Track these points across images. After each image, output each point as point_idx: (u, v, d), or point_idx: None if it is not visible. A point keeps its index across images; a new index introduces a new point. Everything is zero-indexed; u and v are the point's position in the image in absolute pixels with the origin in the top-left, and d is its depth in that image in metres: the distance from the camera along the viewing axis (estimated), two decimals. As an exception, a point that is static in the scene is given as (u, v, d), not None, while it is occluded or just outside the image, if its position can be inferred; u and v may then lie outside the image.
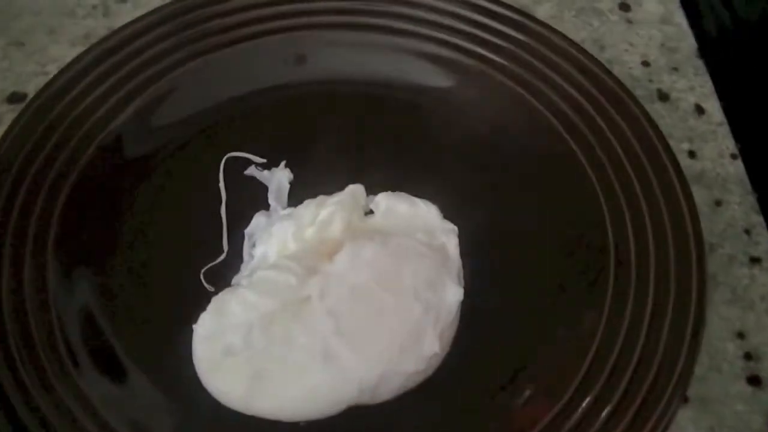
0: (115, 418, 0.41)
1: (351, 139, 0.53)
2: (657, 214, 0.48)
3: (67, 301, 0.45)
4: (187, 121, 0.53)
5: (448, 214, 0.48)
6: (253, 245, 0.48)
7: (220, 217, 0.49)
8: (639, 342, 0.43)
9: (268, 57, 0.55)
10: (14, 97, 0.58)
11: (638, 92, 0.57)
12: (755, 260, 0.52)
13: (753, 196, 0.55)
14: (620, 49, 0.63)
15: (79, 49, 0.55)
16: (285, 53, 0.55)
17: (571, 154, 0.51)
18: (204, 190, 0.50)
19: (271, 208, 0.50)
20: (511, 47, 0.55)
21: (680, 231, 0.47)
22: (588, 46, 0.59)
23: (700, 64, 0.62)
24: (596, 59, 0.55)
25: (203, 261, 0.47)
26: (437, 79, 0.56)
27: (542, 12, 0.65)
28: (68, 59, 0.54)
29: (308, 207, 0.47)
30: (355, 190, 0.48)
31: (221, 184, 0.51)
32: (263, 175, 0.51)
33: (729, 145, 0.58)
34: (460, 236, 0.47)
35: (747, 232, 0.53)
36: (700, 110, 0.60)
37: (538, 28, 0.55)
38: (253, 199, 0.50)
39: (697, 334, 0.43)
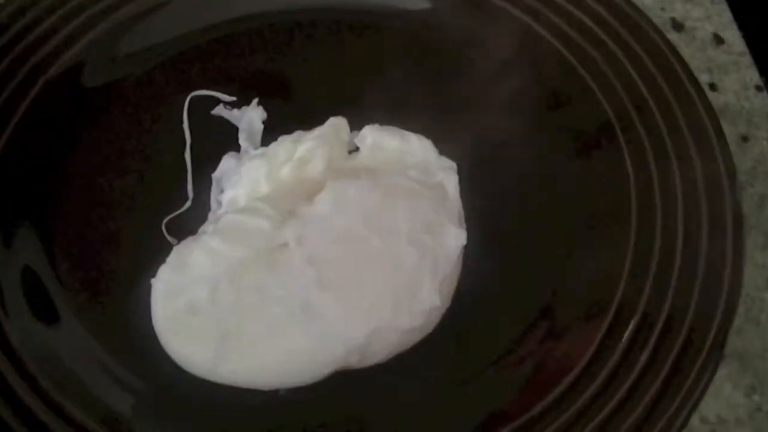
0: (63, 390, 0.38)
1: (331, 73, 0.49)
2: (684, 149, 0.44)
3: (5, 254, 0.42)
4: (147, 54, 0.50)
5: (443, 151, 0.44)
6: (222, 191, 0.44)
7: (184, 162, 0.46)
8: (669, 289, 0.40)
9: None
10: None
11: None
12: (789, 200, 0.48)
13: (782, 129, 0.52)
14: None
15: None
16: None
17: (584, 84, 0.48)
18: (167, 132, 0.47)
19: (242, 149, 0.46)
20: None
21: (711, 167, 0.44)
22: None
23: (716, -9, 0.59)
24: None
25: (165, 210, 0.44)
26: (427, 2, 0.52)
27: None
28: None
29: (283, 143, 0.43)
30: (337, 123, 0.44)
31: (185, 125, 0.47)
32: (233, 115, 0.48)
33: (753, 76, 0.55)
34: (459, 175, 0.43)
35: (778, 169, 0.50)
36: (719, 40, 0.57)
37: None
38: (222, 141, 0.46)
39: (737, 272, 0.40)
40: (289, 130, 0.44)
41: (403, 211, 0.40)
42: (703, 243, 0.41)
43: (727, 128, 0.50)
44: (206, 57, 0.50)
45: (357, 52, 0.50)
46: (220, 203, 0.44)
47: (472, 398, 0.39)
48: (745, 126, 0.52)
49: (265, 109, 0.47)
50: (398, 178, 0.41)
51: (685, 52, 0.55)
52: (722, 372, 0.42)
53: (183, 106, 0.48)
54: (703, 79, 0.54)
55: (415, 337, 0.39)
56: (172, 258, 0.40)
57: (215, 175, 0.45)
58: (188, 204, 0.44)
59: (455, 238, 0.40)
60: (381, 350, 0.38)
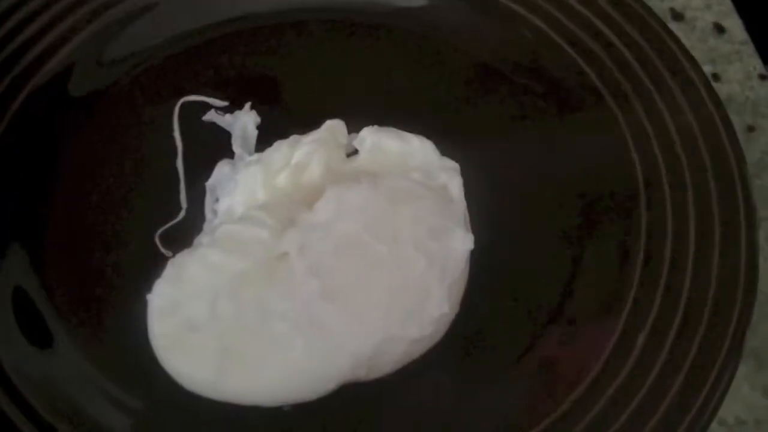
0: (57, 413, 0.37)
1: (325, 74, 0.48)
2: (691, 139, 0.44)
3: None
4: (134, 59, 0.48)
5: (445, 152, 0.43)
6: (217, 200, 0.43)
7: (176, 171, 0.44)
8: (684, 286, 0.39)
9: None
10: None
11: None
12: (799, 191, 0.48)
13: (788, 119, 0.51)
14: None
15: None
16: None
17: (585, 78, 0.47)
18: (157, 140, 0.45)
19: (236, 156, 0.45)
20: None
21: (719, 156, 0.43)
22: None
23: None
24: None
25: (159, 222, 0.42)
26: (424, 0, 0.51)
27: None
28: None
29: (279, 149, 0.42)
30: (334, 125, 0.43)
31: (176, 132, 0.46)
32: (225, 120, 0.46)
33: (756, 65, 0.54)
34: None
35: (786, 159, 0.49)
36: (719, 29, 0.56)
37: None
38: (215, 148, 0.45)
39: (752, 268, 0.39)
40: (284, 135, 0.43)
41: (407, 215, 0.38)
42: (716, 238, 0.40)
43: (732, 119, 0.50)
44: (196, 61, 0.48)
45: (351, 53, 0.49)
46: (215, 213, 0.42)
47: (484, 408, 0.37)
48: (751, 116, 0.51)
49: (259, 113, 0.46)
50: (400, 181, 0.40)
51: (686, 42, 0.54)
52: (739, 372, 0.40)
53: (173, 113, 0.46)
54: (706, 69, 0.52)
55: (424, 346, 0.38)
56: (168, 272, 0.38)
57: (209, 183, 0.43)
58: (182, 215, 0.43)
59: (462, 241, 0.38)
60: (389, 361, 0.37)
